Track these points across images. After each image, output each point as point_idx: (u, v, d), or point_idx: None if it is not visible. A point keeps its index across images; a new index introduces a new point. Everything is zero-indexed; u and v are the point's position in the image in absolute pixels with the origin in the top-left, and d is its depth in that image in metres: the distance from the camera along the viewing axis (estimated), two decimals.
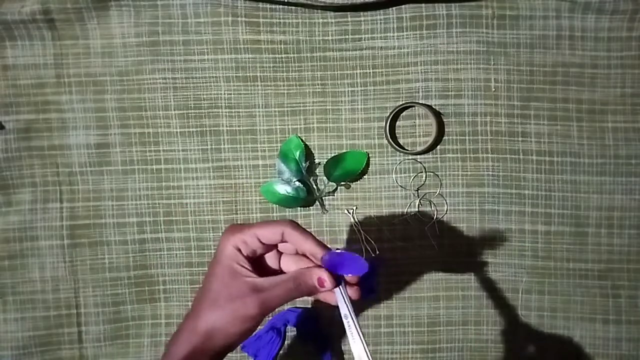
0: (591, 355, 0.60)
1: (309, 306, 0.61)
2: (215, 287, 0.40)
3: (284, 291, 0.40)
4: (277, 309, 0.61)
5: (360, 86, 0.60)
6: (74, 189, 0.60)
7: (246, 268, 0.40)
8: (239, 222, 0.60)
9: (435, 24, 0.58)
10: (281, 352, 0.60)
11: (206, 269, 0.60)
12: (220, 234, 0.60)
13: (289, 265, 0.44)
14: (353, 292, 0.41)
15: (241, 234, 0.40)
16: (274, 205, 0.60)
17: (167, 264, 0.61)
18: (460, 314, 0.61)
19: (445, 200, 0.60)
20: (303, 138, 0.60)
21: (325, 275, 0.40)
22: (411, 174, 0.60)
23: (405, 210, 0.60)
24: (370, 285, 0.60)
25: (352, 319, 0.40)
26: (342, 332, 0.61)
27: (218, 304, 0.39)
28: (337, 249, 0.40)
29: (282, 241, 0.41)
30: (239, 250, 0.40)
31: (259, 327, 0.60)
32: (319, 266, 0.41)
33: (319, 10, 0.58)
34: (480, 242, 0.60)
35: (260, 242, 0.41)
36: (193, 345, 0.39)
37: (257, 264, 0.42)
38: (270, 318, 0.60)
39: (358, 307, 0.61)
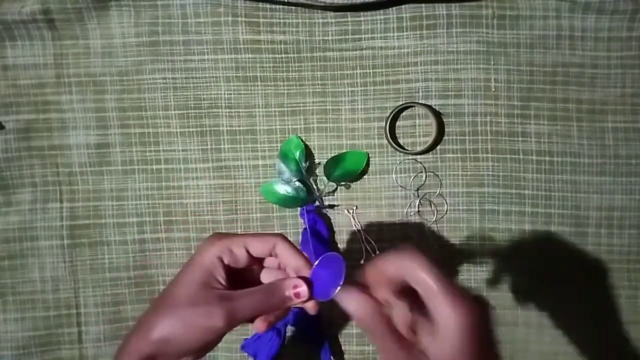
0: (591, 355, 0.60)
1: None
2: (180, 293, 0.36)
3: (253, 302, 0.36)
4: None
5: (360, 86, 0.60)
6: (74, 189, 0.60)
7: (220, 282, 0.37)
8: (238, 223, 0.60)
9: (435, 24, 0.58)
10: (281, 351, 0.60)
11: None
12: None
13: (269, 279, 0.40)
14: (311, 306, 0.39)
15: (229, 240, 0.38)
16: (274, 205, 0.60)
17: (167, 264, 0.61)
18: None
19: (445, 200, 0.60)
20: (303, 138, 0.60)
21: (302, 284, 0.37)
22: (411, 174, 0.60)
23: (405, 210, 0.60)
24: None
25: None
26: (343, 332, 0.61)
27: (178, 312, 0.35)
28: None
29: (270, 255, 0.39)
30: (220, 259, 0.37)
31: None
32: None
33: (319, 10, 0.58)
34: (480, 242, 0.60)
35: (248, 253, 0.38)
36: (142, 356, 0.35)
37: (235, 276, 0.39)
38: None
39: None
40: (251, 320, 0.38)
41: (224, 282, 0.37)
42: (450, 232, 0.60)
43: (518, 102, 0.59)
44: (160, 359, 0.35)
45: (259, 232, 0.38)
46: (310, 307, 0.39)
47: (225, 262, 0.38)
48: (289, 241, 0.39)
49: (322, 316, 0.60)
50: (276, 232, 0.39)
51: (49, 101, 0.60)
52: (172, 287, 0.37)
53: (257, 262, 0.40)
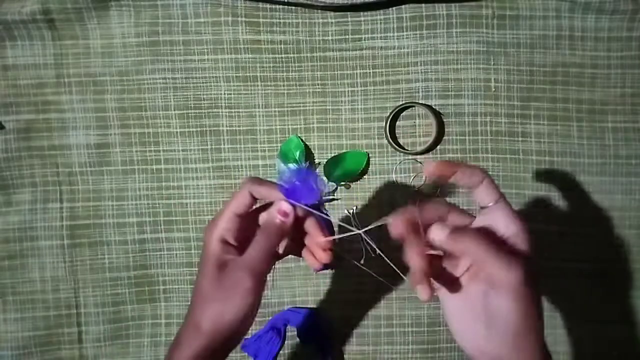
0: (591, 355, 0.60)
1: (310, 306, 0.61)
2: (207, 285, 0.39)
3: (260, 246, 0.39)
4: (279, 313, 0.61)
5: (360, 86, 0.60)
6: (74, 189, 0.60)
7: (232, 255, 0.40)
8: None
9: (435, 24, 0.58)
10: (281, 352, 0.60)
11: None
12: None
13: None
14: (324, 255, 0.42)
15: (220, 221, 0.40)
16: None
17: (167, 264, 0.61)
18: None
19: (445, 200, 0.60)
20: (303, 138, 0.60)
21: (283, 203, 0.40)
22: (411, 174, 0.60)
23: None
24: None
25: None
26: (343, 332, 0.61)
27: (214, 297, 0.38)
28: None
29: (254, 201, 0.41)
30: (225, 241, 0.40)
31: (259, 326, 0.60)
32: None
33: (319, 10, 0.58)
34: None
35: (239, 216, 0.40)
36: (199, 347, 0.38)
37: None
38: (270, 318, 0.60)
39: (353, 307, 0.61)
40: (280, 256, 0.43)
41: (235, 254, 0.40)
42: None
43: (518, 102, 0.59)
44: (217, 346, 0.38)
45: (233, 194, 0.41)
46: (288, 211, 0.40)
47: (230, 240, 0.40)
48: (260, 179, 0.41)
49: (322, 317, 0.60)
50: (245, 179, 0.41)
51: (49, 101, 0.60)
52: (198, 284, 0.40)
53: (253, 217, 0.42)
